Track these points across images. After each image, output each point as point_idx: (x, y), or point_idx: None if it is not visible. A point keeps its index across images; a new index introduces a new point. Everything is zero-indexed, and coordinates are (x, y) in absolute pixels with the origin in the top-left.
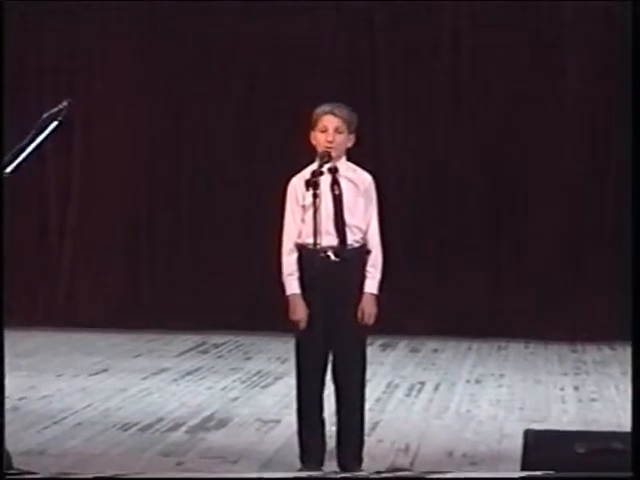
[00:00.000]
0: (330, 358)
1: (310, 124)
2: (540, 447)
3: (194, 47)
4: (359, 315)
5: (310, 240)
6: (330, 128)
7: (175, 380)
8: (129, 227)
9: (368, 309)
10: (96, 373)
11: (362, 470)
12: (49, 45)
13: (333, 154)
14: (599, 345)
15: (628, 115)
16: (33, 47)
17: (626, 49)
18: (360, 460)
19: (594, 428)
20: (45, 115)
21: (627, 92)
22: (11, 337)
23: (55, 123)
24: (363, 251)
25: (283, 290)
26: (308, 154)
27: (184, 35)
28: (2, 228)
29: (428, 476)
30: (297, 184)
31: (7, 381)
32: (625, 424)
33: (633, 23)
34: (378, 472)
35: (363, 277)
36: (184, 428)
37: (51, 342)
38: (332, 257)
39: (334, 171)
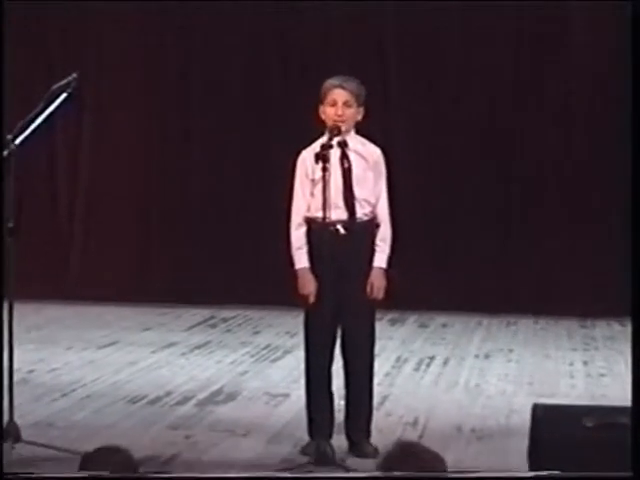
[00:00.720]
0: (339, 332)
1: (319, 98)
2: (548, 422)
3: (204, 25)
4: (368, 289)
5: (319, 214)
6: (339, 101)
7: (184, 354)
8: (140, 202)
9: (377, 283)
10: (105, 346)
11: (371, 444)
12: (56, 19)
13: (342, 128)
14: (608, 321)
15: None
16: (40, 27)
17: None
18: (369, 434)
19: (602, 403)
20: (54, 87)
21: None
22: (21, 310)
23: (64, 95)
24: (372, 225)
25: (292, 264)
26: (317, 128)
27: (195, 16)
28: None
29: (427, 476)
30: (307, 158)
31: (16, 354)
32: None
33: (633, 23)
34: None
35: (372, 251)
36: (193, 401)
37: (61, 315)
38: (341, 231)
39: (343, 145)
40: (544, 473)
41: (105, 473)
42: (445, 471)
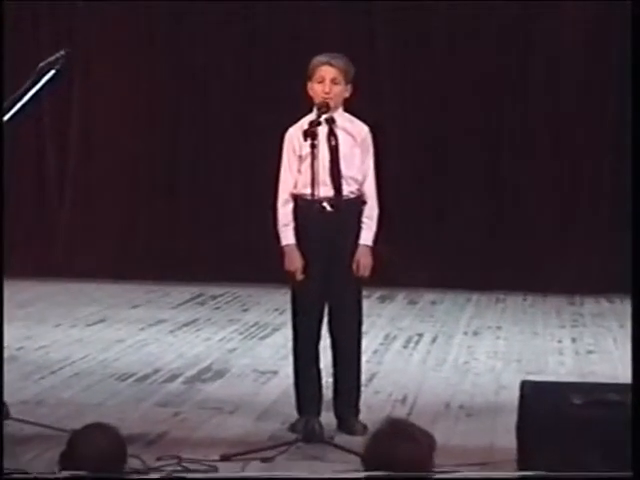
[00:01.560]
0: (326, 309)
1: (307, 74)
2: (536, 399)
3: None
4: (354, 267)
5: (306, 190)
6: (327, 78)
7: (172, 331)
8: (127, 179)
9: (363, 261)
10: (93, 324)
11: (359, 421)
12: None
13: (330, 105)
14: (597, 298)
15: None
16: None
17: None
18: (357, 411)
19: (591, 380)
20: (42, 64)
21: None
22: (9, 287)
23: (52, 72)
24: (359, 202)
25: (279, 241)
26: (305, 105)
27: None
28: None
29: (421, 476)
30: (294, 134)
31: (4, 331)
32: (622, 376)
33: (633, 23)
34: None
35: (359, 228)
36: (181, 379)
37: (49, 292)
38: (328, 208)
39: (331, 122)
40: (532, 473)
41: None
42: (434, 447)
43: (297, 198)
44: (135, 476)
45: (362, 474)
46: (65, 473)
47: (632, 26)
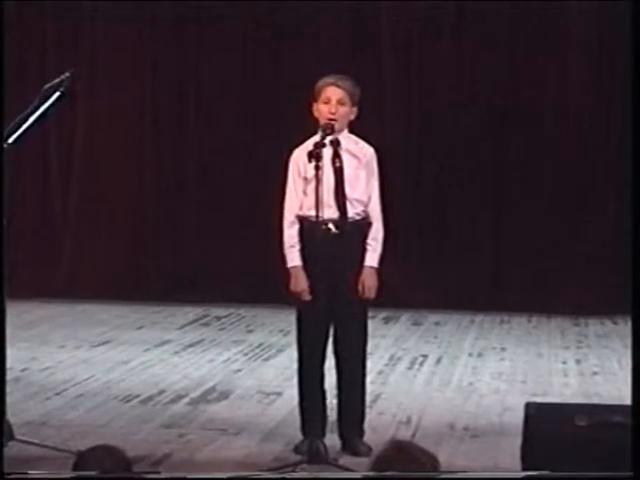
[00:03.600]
0: (331, 331)
1: (313, 95)
2: (541, 420)
3: (198, 14)
4: (359, 288)
5: (311, 212)
6: (333, 100)
7: (177, 352)
8: (132, 199)
9: (368, 282)
10: (98, 345)
11: (363, 442)
12: (52, 17)
13: (336, 126)
14: (601, 319)
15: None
16: (36, 23)
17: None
18: (361, 432)
19: (596, 401)
20: (47, 86)
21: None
22: (13, 309)
23: (57, 94)
24: (364, 224)
25: (284, 262)
26: (310, 126)
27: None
28: (2, 201)
29: (421, 476)
30: (299, 156)
31: (9, 352)
32: (627, 397)
33: (633, 23)
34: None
35: (364, 250)
36: (186, 400)
37: (53, 314)
38: (333, 230)
39: (336, 144)
40: (535, 473)
41: (103, 474)
42: (438, 470)
43: (303, 220)
44: (139, 477)
45: (360, 474)
46: (64, 474)
47: (632, 26)
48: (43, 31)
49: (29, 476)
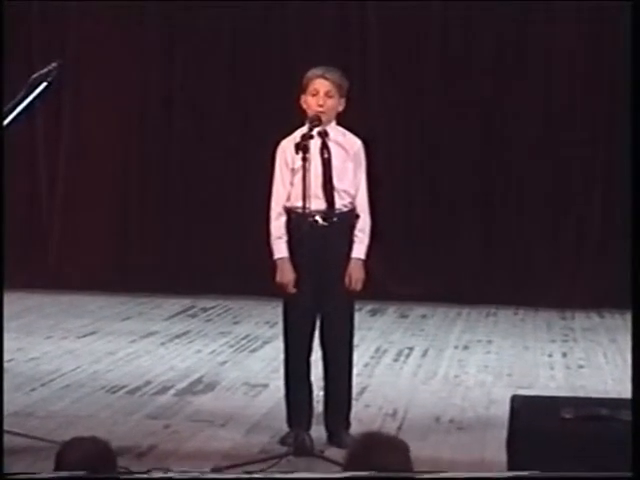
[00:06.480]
0: (318, 323)
1: (301, 87)
2: (527, 413)
3: (187, 8)
4: (346, 280)
5: (299, 204)
6: (321, 91)
7: (163, 343)
8: (119, 190)
9: (355, 274)
10: (84, 336)
11: (349, 434)
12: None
13: (323, 118)
14: (588, 312)
15: (620, 84)
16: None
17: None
18: (348, 424)
19: (581, 394)
20: (34, 76)
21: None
22: None
23: (44, 84)
24: (351, 216)
25: (271, 254)
26: (298, 117)
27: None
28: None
29: (420, 476)
30: (287, 147)
31: None
32: (612, 390)
33: (633, 23)
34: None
35: (351, 242)
36: (172, 391)
37: (40, 304)
38: (320, 221)
39: (324, 135)
40: (526, 473)
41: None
42: (408, 450)
43: (290, 211)
44: (132, 477)
45: (359, 474)
46: (64, 473)
47: (632, 26)
48: (29, 29)
49: (29, 476)
